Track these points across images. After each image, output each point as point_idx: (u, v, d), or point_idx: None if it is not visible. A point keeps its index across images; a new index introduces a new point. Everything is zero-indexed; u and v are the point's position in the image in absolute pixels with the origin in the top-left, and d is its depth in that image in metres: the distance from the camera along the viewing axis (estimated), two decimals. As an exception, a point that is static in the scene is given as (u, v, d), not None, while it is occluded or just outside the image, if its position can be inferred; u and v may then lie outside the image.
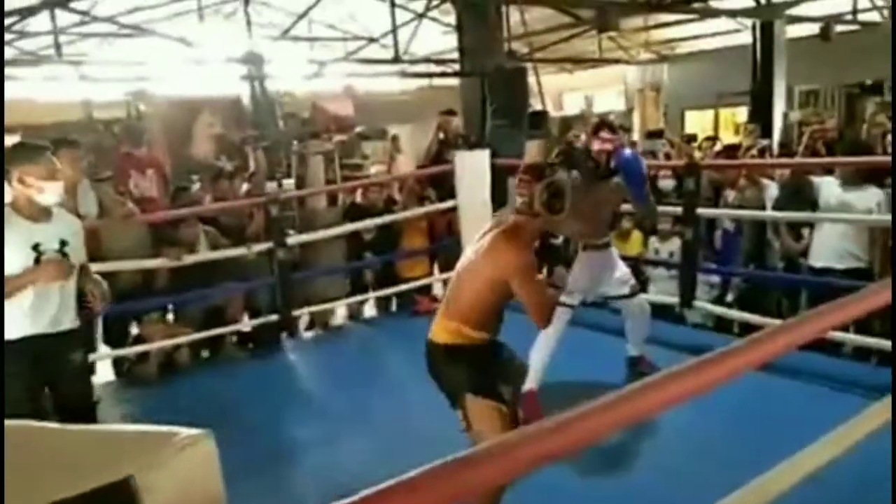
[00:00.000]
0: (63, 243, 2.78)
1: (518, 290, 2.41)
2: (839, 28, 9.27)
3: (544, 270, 2.65)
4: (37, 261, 2.69)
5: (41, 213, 2.75)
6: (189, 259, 4.48)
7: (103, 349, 4.56)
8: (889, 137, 5.76)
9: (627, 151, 3.65)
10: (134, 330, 4.77)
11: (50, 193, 2.72)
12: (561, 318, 3.61)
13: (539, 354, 3.62)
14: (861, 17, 9.36)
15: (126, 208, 4.26)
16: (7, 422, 0.87)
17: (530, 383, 3.53)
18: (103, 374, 4.61)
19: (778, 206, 4.71)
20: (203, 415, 3.85)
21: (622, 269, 3.88)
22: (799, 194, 4.52)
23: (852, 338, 3.99)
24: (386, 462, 3.20)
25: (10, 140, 9.48)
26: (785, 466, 1.55)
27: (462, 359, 2.49)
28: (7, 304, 2.62)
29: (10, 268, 2.65)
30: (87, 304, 2.96)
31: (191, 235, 4.60)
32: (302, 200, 5.44)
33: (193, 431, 0.88)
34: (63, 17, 7.83)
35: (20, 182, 2.68)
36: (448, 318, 2.52)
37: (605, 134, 3.59)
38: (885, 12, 9.20)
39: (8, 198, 2.74)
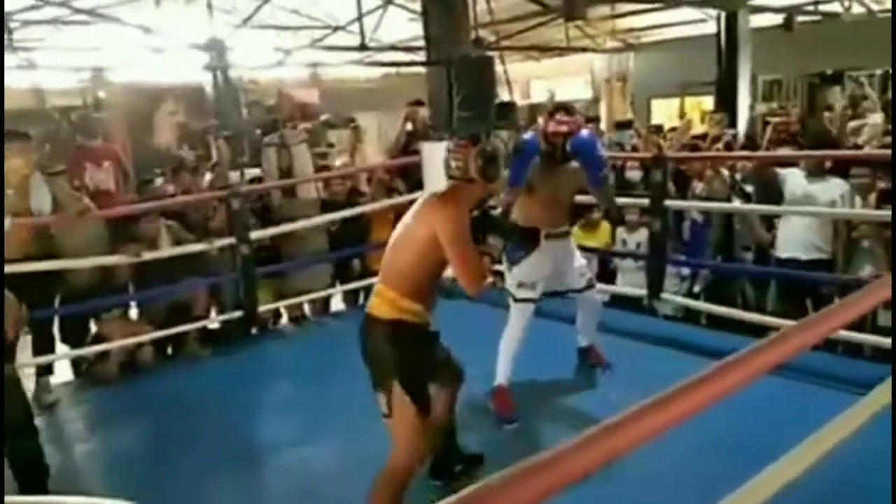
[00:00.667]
0: None
1: (447, 248, 2.33)
2: (801, 18, 9.39)
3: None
4: None
5: None
6: (149, 255, 4.34)
7: (61, 349, 4.41)
8: (849, 127, 5.87)
9: (584, 133, 3.52)
10: (94, 328, 4.63)
11: None
12: (524, 312, 3.60)
13: (506, 350, 3.58)
14: (823, 7, 9.49)
15: (81, 203, 4.11)
16: None
17: (500, 379, 3.55)
18: (61, 374, 4.46)
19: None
20: (164, 415, 3.82)
21: (580, 261, 3.82)
22: (766, 186, 4.55)
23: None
24: (353, 459, 3.18)
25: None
26: (781, 463, 1.53)
27: (401, 342, 2.41)
28: None
29: None
30: None
31: (151, 230, 4.46)
32: (287, 192, 5.32)
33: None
34: (12, 2, 7.53)
35: None
36: (385, 287, 2.45)
37: (561, 116, 3.46)
38: (847, 3, 9.32)
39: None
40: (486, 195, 2.56)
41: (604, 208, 5.39)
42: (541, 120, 3.98)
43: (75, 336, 4.48)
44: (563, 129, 3.43)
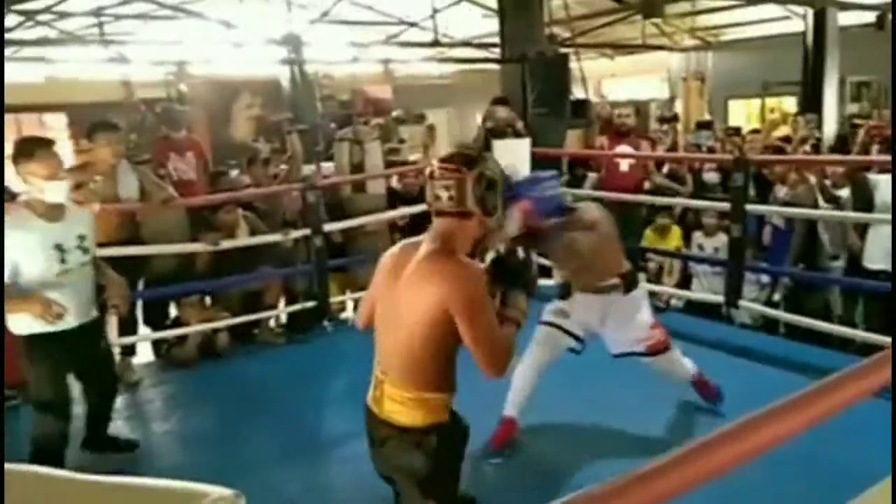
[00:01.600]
0: (82, 238, 2.86)
1: (466, 332, 1.78)
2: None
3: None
4: (62, 260, 2.74)
5: (55, 212, 2.78)
6: (226, 244, 4.47)
7: (143, 330, 4.60)
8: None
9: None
10: (173, 312, 4.80)
11: (52, 192, 2.71)
12: (548, 339, 3.16)
13: (518, 377, 3.13)
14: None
15: (166, 192, 4.26)
16: (35, 469, 0.81)
17: (508, 410, 3.16)
18: (143, 355, 4.64)
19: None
20: (237, 399, 3.93)
21: (638, 324, 3.11)
22: (856, 193, 4.34)
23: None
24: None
25: (57, 118, 9.65)
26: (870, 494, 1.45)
27: (438, 454, 1.90)
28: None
29: (36, 268, 2.69)
30: (111, 304, 3.14)
31: (229, 220, 4.59)
32: (356, 186, 5.39)
33: (225, 492, 0.81)
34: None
35: (25, 181, 2.71)
36: (396, 387, 1.90)
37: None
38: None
39: (25, 196, 2.79)
40: (482, 235, 1.94)
41: (675, 214, 5.27)
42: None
43: (156, 319, 4.66)
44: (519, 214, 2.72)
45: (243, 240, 4.58)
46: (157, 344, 4.67)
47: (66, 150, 10.73)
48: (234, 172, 5.84)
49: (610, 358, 3.20)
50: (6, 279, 2.61)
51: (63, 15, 8.48)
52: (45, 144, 2.76)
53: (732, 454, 1.05)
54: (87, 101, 8.69)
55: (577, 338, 3.17)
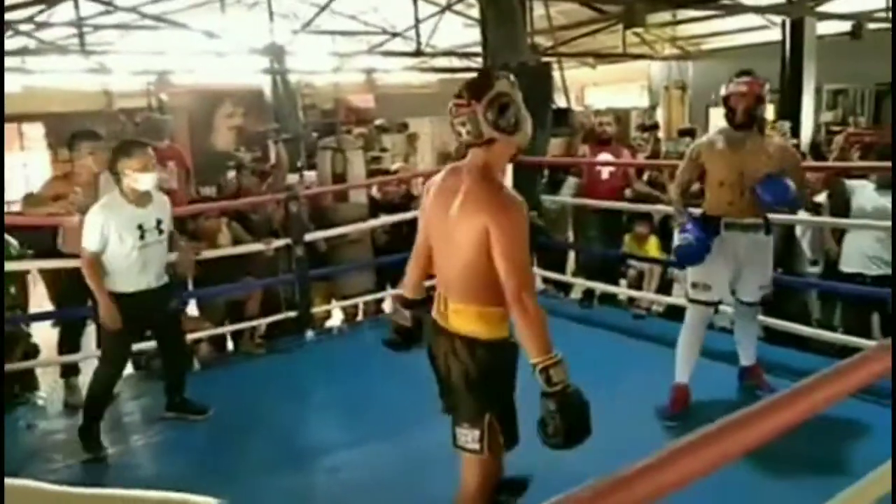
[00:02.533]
0: (159, 222, 3.48)
1: (501, 256, 1.91)
2: (870, 26, 9.08)
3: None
4: (141, 237, 3.37)
5: (143, 199, 3.40)
6: (207, 254, 4.44)
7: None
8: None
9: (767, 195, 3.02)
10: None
11: (144, 182, 3.34)
12: (696, 315, 3.31)
13: (680, 352, 3.42)
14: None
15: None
16: (8, 481, 0.80)
17: (678, 377, 3.43)
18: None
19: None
20: (219, 410, 3.90)
21: (768, 269, 3.28)
22: (833, 198, 4.41)
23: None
24: (400, 463, 3.18)
25: (34, 127, 9.56)
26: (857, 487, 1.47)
27: (503, 368, 2.08)
28: (122, 267, 3.35)
29: (125, 245, 3.33)
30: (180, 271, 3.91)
31: (210, 228, 4.57)
32: (338, 195, 5.38)
33: (210, 501, 0.81)
34: (85, 7, 7.83)
35: (123, 174, 3.31)
36: (459, 303, 2.05)
37: (741, 78, 3.10)
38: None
39: (117, 189, 3.37)
40: (517, 151, 2.11)
41: (653, 221, 5.30)
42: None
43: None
44: (743, 89, 3.04)
45: (224, 249, 4.55)
46: (135, 355, 4.61)
47: (43, 161, 10.68)
48: (231, 174, 5.77)
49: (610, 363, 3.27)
50: (96, 248, 3.28)
51: (43, 25, 8.43)
52: (139, 145, 3.44)
53: (740, 443, 1.07)
54: (66, 111, 8.62)
55: (717, 301, 3.33)
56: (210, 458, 3.41)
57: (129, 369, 4.59)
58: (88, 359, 4.24)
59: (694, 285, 3.30)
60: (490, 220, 1.93)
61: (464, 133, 2.00)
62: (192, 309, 4.82)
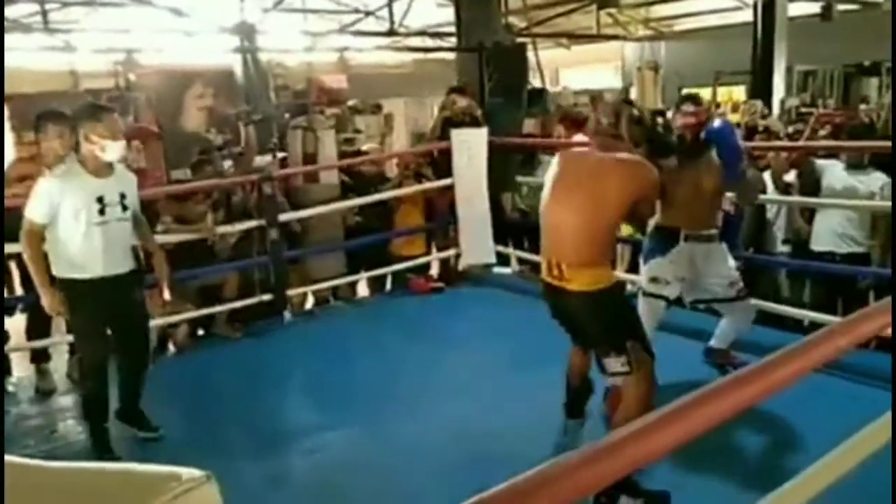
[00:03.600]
0: (123, 196, 3.13)
1: (643, 197, 2.65)
2: (840, 7, 9.19)
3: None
4: (101, 212, 3.01)
5: (104, 169, 3.08)
6: (183, 237, 4.38)
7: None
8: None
9: (717, 122, 3.39)
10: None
11: (111, 151, 3.04)
12: (650, 308, 3.43)
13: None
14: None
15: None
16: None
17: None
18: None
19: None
20: (194, 395, 3.87)
21: (729, 268, 3.53)
22: (802, 177, 4.46)
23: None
24: (374, 444, 3.19)
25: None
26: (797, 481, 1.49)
27: (624, 302, 2.78)
28: (80, 248, 3.00)
29: (80, 221, 2.96)
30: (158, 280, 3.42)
31: (200, 212, 4.49)
32: (309, 176, 5.31)
33: (196, 473, 0.80)
34: (49, -16, 7.62)
35: (86, 140, 3.01)
36: (579, 265, 2.59)
37: (688, 107, 3.36)
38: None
39: (75, 155, 3.10)
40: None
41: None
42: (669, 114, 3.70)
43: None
44: (692, 120, 3.34)
45: (206, 231, 4.48)
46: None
47: (7, 142, 10.40)
48: (228, 164, 5.63)
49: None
50: (42, 220, 2.95)
51: (6, 1, 8.17)
52: (109, 110, 3.17)
53: (732, 403, 1.09)
54: (30, 92, 8.39)
55: (671, 300, 3.52)
56: (188, 441, 3.38)
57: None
58: (58, 344, 4.18)
59: (653, 280, 3.46)
60: (632, 176, 2.60)
61: (605, 123, 2.71)
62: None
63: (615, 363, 2.62)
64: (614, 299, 2.68)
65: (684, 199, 3.32)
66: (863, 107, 7.94)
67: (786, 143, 5.01)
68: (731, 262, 3.57)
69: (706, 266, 3.45)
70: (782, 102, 9.21)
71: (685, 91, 12.08)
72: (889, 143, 4.71)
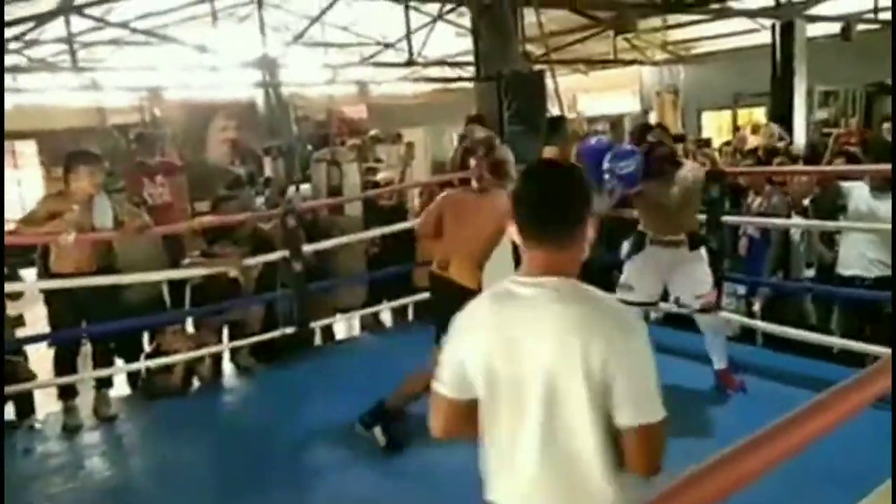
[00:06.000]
0: None
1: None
2: (860, 27, 9.12)
3: None
4: None
5: None
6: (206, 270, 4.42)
7: (119, 363, 4.50)
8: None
9: (590, 141, 3.91)
10: (146, 342, 4.70)
11: None
12: None
13: None
14: (882, 15, 9.20)
15: (141, 220, 4.20)
16: None
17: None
18: (119, 388, 4.54)
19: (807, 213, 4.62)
20: (218, 431, 3.87)
21: (698, 280, 3.71)
22: (826, 200, 4.41)
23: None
24: (395, 483, 3.15)
25: (27, 145, 9.50)
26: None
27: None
28: None
29: None
30: None
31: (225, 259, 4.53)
32: (333, 208, 5.36)
33: None
34: (76, 23, 7.81)
35: None
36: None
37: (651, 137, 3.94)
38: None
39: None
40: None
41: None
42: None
43: (131, 349, 4.56)
44: (664, 151, 3.80)
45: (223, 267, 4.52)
46: (132, 376, 4.58)
47: (35, 178, 10.63)
48: (260, 200, 5.68)
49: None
50: None
51: (33, 42, 8.41)
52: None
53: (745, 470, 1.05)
54: (58, 128, 8.59)
55: (643, 304, 3.76)
56: (210, 479, 3.38)
57: (124, 389, 4.59)
58: (85, 380, 4.22)
59: (620, 285, 3.78)
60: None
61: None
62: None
63: None
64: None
65: (649, 209, 3.75)
66: (886, 125, 7.84)
67: (801, 167, 4.96)
68: (703, 275, 3.74)
69: (673, 272, 3.71)
70: (808, 115, 9.14)
71: (704, 114, 12.20)
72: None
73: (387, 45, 10.50)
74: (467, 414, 1.46)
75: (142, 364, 4.47)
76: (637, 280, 3.74)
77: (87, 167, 3.85)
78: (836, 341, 4.14)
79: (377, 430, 3.34)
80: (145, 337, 4.73)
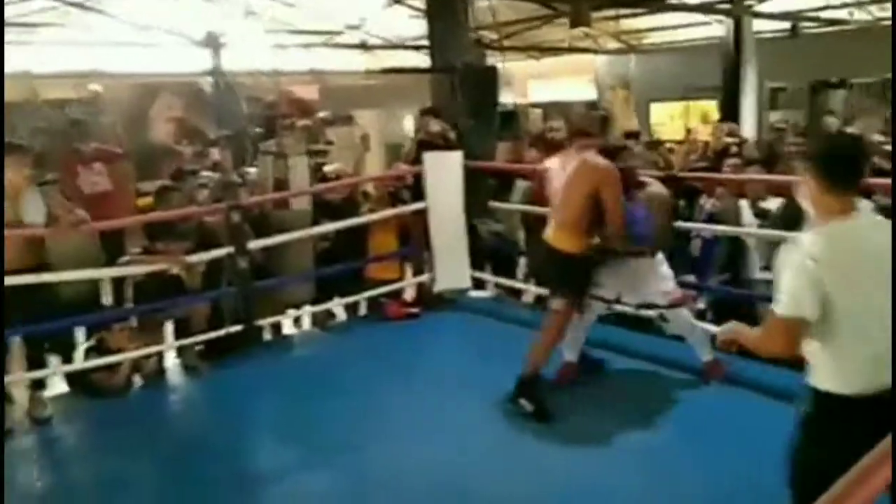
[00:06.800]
0: None
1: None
2: (809, 26, 9.32)
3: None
4: None
5: None
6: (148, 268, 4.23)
7: (53, 361, 4.29)
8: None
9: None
10: (81, 338, 4.48)
11: None
12: (591, 310, 3.88)
13: (573, 336, 3.93)
14: (828, 14, 9.40)
15: (74, 216, 3.97)
16: None
17: (569, 356, 4.00)
18: (56, 386, 4.32)
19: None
20: (160, 432, 3.73)
21: (660, 283, 3.83)
22: (788, 206, 4.47)
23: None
24: (354, 485, 3.09)
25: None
26: None
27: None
28: None
29: None
30: None
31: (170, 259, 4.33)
32: (279, 203, 5.17)
33: None
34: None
35: None
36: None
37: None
38: (855, 11, 9.25)
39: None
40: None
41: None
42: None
43: (64, 348, 4.35)
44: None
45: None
46: (69, 374, 4.36)
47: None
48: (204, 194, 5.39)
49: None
50: None
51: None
52: None
53: None
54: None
55: (608, 300, 3.94)
56: (151, 486, 3.25)
57: (63, 387, 4.37)
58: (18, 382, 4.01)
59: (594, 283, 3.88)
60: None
61: None
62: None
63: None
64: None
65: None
66: (829, 119, 8.02)
67: (762, 175, 5.00)
68: (667, 274, 3.87)
69: (633, 281, 3.82)
70: (759, 117, 9.31)
71: (653, 105, 12.31)
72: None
73: (336, 33, 10.24)
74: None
75: (79, 364, 4.26)
76: (606, 280, 3.85)
77: (14, 158, 3.61)
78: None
79: (522, 401, 3.57)
80: (81, 334, 4.51)
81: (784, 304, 1.90)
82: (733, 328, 2.26)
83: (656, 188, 3.83)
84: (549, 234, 3.67)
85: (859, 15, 9.37)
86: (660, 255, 3.90)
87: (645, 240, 3.70)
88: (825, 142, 2.19)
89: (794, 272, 1.87)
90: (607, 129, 3.69)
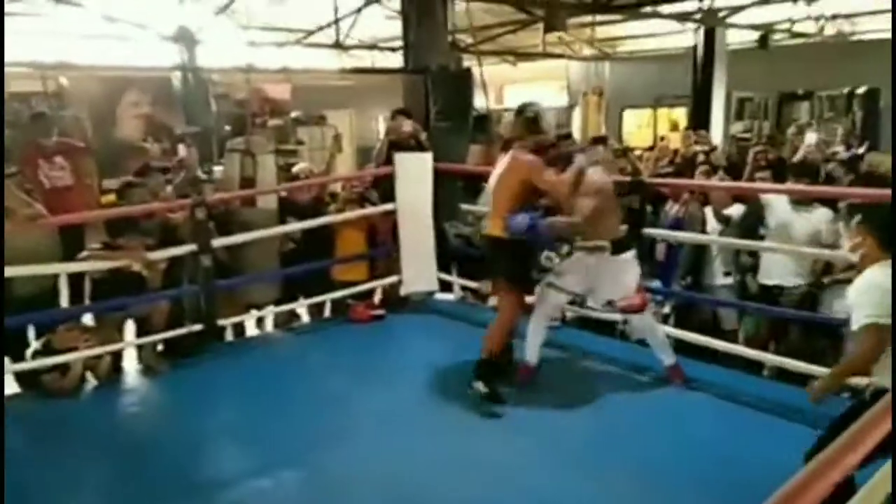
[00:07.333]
0: None
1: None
2: (776, 37, 9.48)
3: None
4: None
5: None
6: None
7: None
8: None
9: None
10: (32, 336, 4.35)
11: None
12: (548, 298, 3.94)
13: (532, 336, 3.98)
14: (797, 28, 9.56)
15: (31, 209, 3.87)
16: None
17: (531, 359, 4.01)
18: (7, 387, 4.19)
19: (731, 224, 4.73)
20: (116, 434, 3.64)
21: (621, 285, 3.83)
22: (753, 217, 4.54)
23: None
24: (315, 490, 3.04)
25: None
26: None
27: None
28: None
29: None
30: None
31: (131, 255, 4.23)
32: (245, 201, 5.09)
33: None
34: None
35: None
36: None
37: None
38: (823, 24, 9.42)
39: None
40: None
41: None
42: None
43: (17, 347, 4.21)
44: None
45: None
46: (19, 374, 4.23)
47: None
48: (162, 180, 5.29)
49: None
50: None
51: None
52: None
53: None
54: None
55: (572, 294, 3.99)
56: (105, 488, 3.17)
57: (13, 388, 4.25)
58: None
59: (557, 273, 3.87)
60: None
61: None
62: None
63: None
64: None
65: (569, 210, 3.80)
66: (791, 129, 8.11)
67: (727, 183, 5.07)
68: (629, 277, 3.85)
69: (596, 278, 3.83)
70: (726, 127, 9.46)
71: (626, 111, 12.42)
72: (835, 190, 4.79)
73: (311, 34, 10.17)
74: None
75: (28, 365, 4.12)
76: (568, 270, 3.86)
77: None
78: (744, 350, 4.24)
79: (477, 384, 3.66)
80: (32, 332, 4.38)
81: (882, 316, 2.35)
82: (816, 385, 2.64)
83: (597, 176, 3.84)
84: (486, 225, 3.88)
85: (830, 30, 9.56)
86: (629, 255, 3.90)
87: (519, 234, 3.72)
88: (888, 215, 2.61)
89: (882, 291, 2.37)
90: (538, 127, 3.79)
